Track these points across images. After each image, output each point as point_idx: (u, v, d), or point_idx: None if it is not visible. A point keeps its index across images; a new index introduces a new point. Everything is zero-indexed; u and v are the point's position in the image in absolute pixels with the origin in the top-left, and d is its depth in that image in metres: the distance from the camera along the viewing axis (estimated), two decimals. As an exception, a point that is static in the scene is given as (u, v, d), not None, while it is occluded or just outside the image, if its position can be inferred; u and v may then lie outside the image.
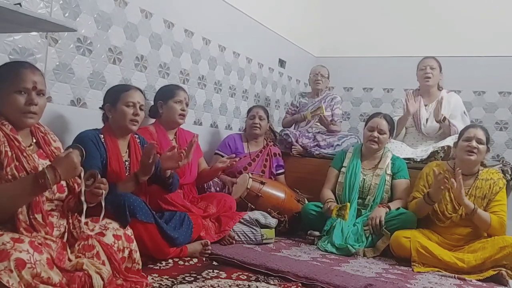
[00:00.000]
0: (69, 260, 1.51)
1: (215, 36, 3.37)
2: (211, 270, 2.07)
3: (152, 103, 2.73)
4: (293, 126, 3.98)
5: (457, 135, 2.84)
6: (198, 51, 3.23)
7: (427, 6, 4.50)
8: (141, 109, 2.17)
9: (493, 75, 4.20)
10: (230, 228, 2.57)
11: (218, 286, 1.86)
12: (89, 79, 2.39)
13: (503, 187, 2.62)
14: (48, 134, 1.70)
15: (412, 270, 2.41)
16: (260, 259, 2.20)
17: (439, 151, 3.17)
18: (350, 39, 4.83)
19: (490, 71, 4.19)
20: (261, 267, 2.11)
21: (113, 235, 1.70)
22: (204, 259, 2.26)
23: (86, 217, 1.65)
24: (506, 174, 2.90)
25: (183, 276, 1.94)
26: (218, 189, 3.08)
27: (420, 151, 3.30)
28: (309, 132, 3.74)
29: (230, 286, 1.87)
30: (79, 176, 1.56)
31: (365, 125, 3.11)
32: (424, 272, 2.39)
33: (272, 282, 1.99)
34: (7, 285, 1.23)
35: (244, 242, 2.62)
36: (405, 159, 3.16)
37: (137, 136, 2.30)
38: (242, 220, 2.66)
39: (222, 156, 3.22)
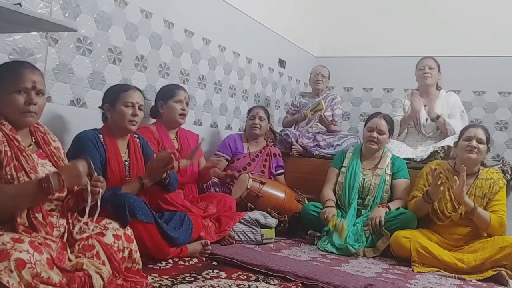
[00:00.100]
0: (69, 260, 1.51)
1: (215, 36, 3.37)
2: (211, 270, 2.07)
3: (152, 103, 2.74)
4: (293, 126, 3.98)
5: (457, 135, 2.84)
6: (198, 51, 3.23)
7: (427, 6, 4.50)
8: (140, 109, 2.17)
9: (493, 75, 4.20)
10: (230, 228, 2.57)
11: (218, 286, 1.86)
12: (89, 79, 2.39)
13: (503, 186, 2.62)
14: (47, 134, 1.71)
15: (412, 270, 2.41)
16: (260, 259, 2.20)
17: (439, 151, 3.17)
18: (350, 39, 4.83)
19: (490, 71, 4.19)
20: (261, 267, 2.11)
21: (113, 235, 1.70)
22: (204, 259, 2.26)
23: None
24: (506, 174, 2.90)
25: (183, 276, 1.94)
26: (218, 189, 3.08)
27: (420, 151, 3.30)
28: (309, 132, 3.74)
29: (230, 286, 1.87)
30: (85, 187, 1.56)
31: (365, 125, 3.11)
32: (424, 272, 2.39)
33: (272, 282, 1.99)
34: (7, 285, 1.23)
35: (244, 242, 2.62)
36: (405, 159, 3.17)
37: (136, 136, 2.30)
38: (242, 220, 2.66)
39: (223, 157, 3.24)
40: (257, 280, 2.00)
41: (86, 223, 1.68)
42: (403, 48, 4.51)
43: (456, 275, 2.35)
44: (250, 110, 3.44)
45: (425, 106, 3.49)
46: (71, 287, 1.42)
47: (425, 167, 2.84)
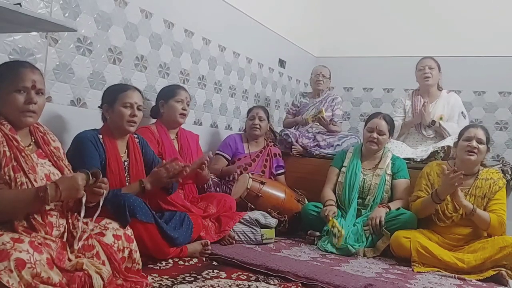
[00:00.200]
0: (69, 260, 1.51)
1: (215, 36, 3.37)
2: (211, 270, 2.07)
3: (152, 103, 2.74)
4: (293, 126, 3.98)
5: (457, 135, 2.84)
6: (198, 51, 3.23)
7: (427, 6, 4.50)
8: (139, 109, 2.16)
9: (493, 75, 4.20)
10: (230, 228, 2.57)
11: (218, 286, 1.86)
12: (89, 79, 2.39)
13: (503, 186, 2.62)
14: (47, 133, 1.70)
15: (412, 270, 2.41)
16: (260, 259, 2.20)
17: (439, 151, 3.17)
18: (350, 39, 4.83)
19: (490, 71, 4.20)
20: (261, 267, 2.11)
21: (113, 235, 1.70)
22: (204, 259, 2.26)
23: (85, 217, 1.65)
24: (506, 174, 2.90)
25: (183, 276, 1.94)
26: (218, 189, 3.08)
27: (420, 151, 3.31)
28: (309, 132, 3.74)
29: (230, 286, 1.87)
30: (80, 199, 1.56)
31: (365, 126, 3.11)
32: (424, 272, 2.39)
33: (272, 282, 1.98)
34: (7, 285, 1.23)
35: (244, 242, 2.62)
36: (405, 159, 3.17)
37: (136, 136, 2.30)
38: (242, 220, 2.66)
39: (224, 157, 3.24)
40: (257, 280, 2.00)
41: (86, 223, 1.68)
42: (403, 48, 4.52)
43: (456, 275, 2.34)
44: (250, 110, 3.44)
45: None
46: (71, 287, 1.42)
47: (425, 168, 2.84)
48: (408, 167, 3.08)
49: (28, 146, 1.59)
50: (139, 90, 2.23)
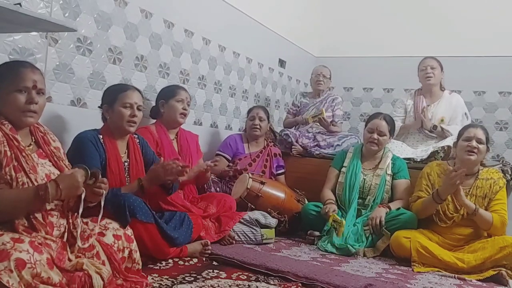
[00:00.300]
0: (69, 260, 1.51)
1: (215, 36, 3.37)
2: (211, 270, 2.07)
3: (152, 103, 2.74)
4: (293, 126, 3.98)
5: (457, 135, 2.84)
6: (198, 51, 3.23)
7: (427, 6, 4.50)
8: (139, 110, 2.16)
9: (493, 75, 4.20)
10: (230, 228, 2.57)
11: (218, 286, 1.86)
12: (89, 79, 2.39)
13: (503, 186, 2.62)
14: (47, 133, 1.70)
15: (412, 270, 2.41)
16: (260, 259, 2.20)
17: (439, 151, 3.17)
18: (350, 39, 4.82)
19: (490, 71, 4.19)
20: (261, 267, 2.11)
21: (113, 235, 1.70)
22: (204, 259, 2.26)
23: (85, 217, 1.66)
24: (506, 174, 2.90)
25: (183, 276, 1.94)
26: (218, 189, 3.08)
27: (420, 151, 3.30)
28: (309, 132, 3.74)
29: (230, 286, 1.87)
30: (79, 197, 1.56)
31: (365, 126, 3.11)
32: (424, 272, 2.39)
33: (272, 282, 1.99)
34: (7, 285, 1.23)
35: (244, 242, 2.62)
36: (405, 159, 3.17)
37: (136, 136, 2.30)
38: (242, 220, 2.66)
39: (224, 157, 3.24)
40: (257, 280, 2.00)
41: (86, 223, 1.68)
42: (403, 48, 4.52)
43: (456, 275, 2.34)
44: (250, 111, 3.44)
45: (428, 106, 3.49)
46: (71, 287, 1.42)
47: (425, 168, 2.84)
48: (408, 167, 3.08)
49: (28, 146, 1.59)
50: (139, 90, 2.23)
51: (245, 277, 2.02)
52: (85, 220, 1.66)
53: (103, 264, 1.58)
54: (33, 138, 1.64)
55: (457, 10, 4.35)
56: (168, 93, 2.68)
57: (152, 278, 1.86)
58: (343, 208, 2.98)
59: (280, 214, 2.93)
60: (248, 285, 1.91)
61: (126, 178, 2.14)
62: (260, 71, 4.06)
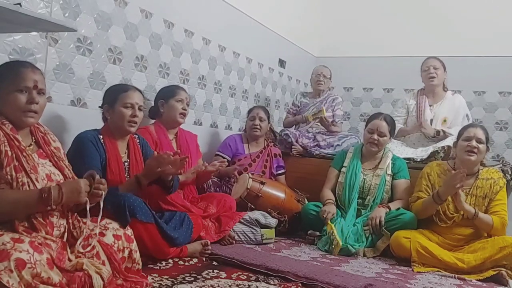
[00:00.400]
0: (69, 260, 1.51)
1: (215, 36, 3.37)
2: (211, 270, 2.07)
3: (152, 103, 2.74)
4: (293, 126, 3.98)
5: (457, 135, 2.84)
6: (198, 51, 3.23)
7: (427, 6, 4.50)
8: (140, 110, 2.16)
9: (493, 75, 4.20)
10: (230, 228, 2.57)
11: (218, 286, 1.86)
12: (89, 79, 2.39)
13: (504, 186, 2.62)
14: (47, 134, 1.70)
15: (412, 270, 2.41)
16: (260, 259, 2.20)
17: (439, 151, 3.17)
18: (350, 39, 4.82)
19: (490, 71, 4.20)
20: (261, 267, 2.11)
21: (113, 235, 1.70)
22: (204, 259, 2.26)
23: (84, 217, 1.65)
24: (506, 174, 2.90)
25: (183, 276, 1.94)
26: (218, 189, 3.08)
27: (420, 151, 3.30)
28: (309, 132, 3.74)
29: (230, 286, 1.87)
30: (84, 205, 1.57)
31: (365, 126, 3.11)
32: (424, 272, 2.39)
33: (272, 282, 1.99)
34: (7, 285, 1.23)
35: (244, 242, 2.62)
36: (405, 159, 3.17)
37: (136, 136, 2.30)
38: (242, 220, 2.66)
39: (223, 158, 3.24)
40: (257, 280, 2.00)
41: (85, 223, 1.68)
42: (403, 48, 4.52)
43: (456, 275, 2.34)
44: (250, 111, 3.44)
45: (430, 106, 3.49)
46: (71, 287, 1.42)
47: (425, 168, 2.84)
48: (408, 167, 3.08)
49: (29, 146, 1.59)
50: (140, 91, 2.23)
51: (245, 277, 2.02)
52: (84, 220, 1.66)
53: (103, 264, 1.58)
54: (33, 138, 1.64)
55: (457, 10, 4.35)
56: (168, 93, 2.68)
57: (152, 278, 1.86)
58: (343, 208, 2.98)
59: (280, 214, 2.93)
60: (248, 285, 1.91)
61: (127, 178, 2.14)
62: (260, 71, 4.06)
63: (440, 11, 4.43)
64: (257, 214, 2.74)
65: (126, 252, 1.72)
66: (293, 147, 3.61)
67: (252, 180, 2.95)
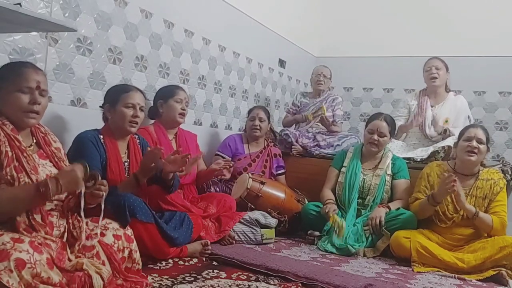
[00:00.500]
0: (69, 260, 1.51)
1: (215, 36, 3.37)
2: (211, 270, 2.07)
3: (152, 103, 2.73)
4: (293, 126, 3.98)
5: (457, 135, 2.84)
6: (198, 51, 3.23)
7: (427, 6, 4.50)
8: (141, 110, 2.17)
9: (493, 75, 4.20)
10: (230, 228, 2.57)
11: (218, 286, 1.86)
12: (89, 79, 2.39)
13: (504, 187, 2.62)
14: (48, 134, 1.70)
15: (412, 270, 2.41)
16: (260, 259, 2.20)
17: (439, 151, 3.17)
18: (350, 39, 4.82)
19: (490, 71, 4.20)
20: (261, 267, 2.11)
21: (113, 235, 1.70)
22: (204, 259, 2.26)
23: (85, 217, 1.65)
24: (506, 174, 2.90)
25: (183, 276, 1.94)
26: (218, 189, 3.08)
27: (420, 151, 3.30)
28: (309, 132, 3.74)
29: (230, 286, 1.87)
30: (79, 195, 1.56)
31: (366, 126, 3.11)
32: (424, 272, 2.39)
33: (272, 282, 1.99)
34: (7, 285, 1.23)
35: (244, 242, 2.62)
36: (405, 159, 3.16)
37: (136, 136, 2.30)
38: (242, 220, 2.66)
39: (223, 157, 3.24)
40: (257, 280, 2.00)
41: (86, 223, 1.68)
42: (403, 48, 4.52)
43: (456, 275, 2.34)
44: (250, 111, 3.43)
45: (432, 107, 3.49)
46: (71, 287, 1.42)
47: (425, 168, 2.84)
48: (408, 167, 3.08)
49: (29, 147, 1.59)
50: (141, 91, 2.24)
51: (245, 277, 2.02)
52: (85, 220, 1.66)
53: (103, 264, 1.58)
54: (34, 138, 1.64)
55: (457, 10, 4.35)
56: (167, 93, 2.68)
57: (152, 278, 1.86)
58: (343, 208, 2.98)
59: (280, 214, 2.93)
60: (248, 285, 1.91)
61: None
62: (260, 71, 4.06)
63: (440, 11, 4.43)
64: (257, 214, 2.74)
65: (126, 252, 1.72)
66: (293, 147, 3.61)
67: (252, 180, 2.95)
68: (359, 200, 2.97)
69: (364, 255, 2.65)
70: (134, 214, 1.93)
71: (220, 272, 2.05)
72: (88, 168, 1.56)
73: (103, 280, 1.50)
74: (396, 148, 3.28)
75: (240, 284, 1.91)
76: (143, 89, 2.66)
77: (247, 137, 3.40)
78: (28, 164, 1.52)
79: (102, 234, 1.68)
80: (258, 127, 3.32)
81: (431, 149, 3.22)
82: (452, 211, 2.60)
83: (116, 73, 2.54)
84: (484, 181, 2.62)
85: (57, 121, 2.22)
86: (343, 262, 2.45)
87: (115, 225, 1.76)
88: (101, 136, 2.12)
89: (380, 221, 2.72)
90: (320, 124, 3.76)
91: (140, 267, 1.79)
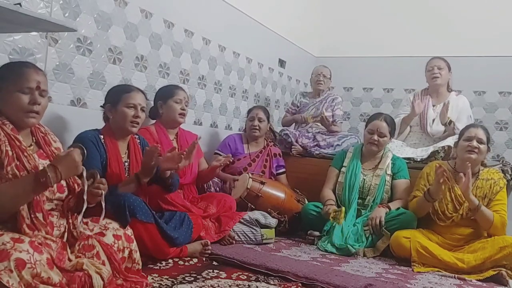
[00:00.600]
0: (69, 260, 1.51)
1: (215, 36, 3.37)
2: (211, 270, 2.07)
3: (152, 103, 2.73)
4: (293, 125, 3.98)
5: (458, 135, 2.84)
6: (198, 51, 3.23)
7: (427, 6, 4.50)
8: (142, 111, 2.17)
9: (493, 75, 4.20)
10: (230, 228, 2.57)
11: (218, 286, 1.86)
12: (89, 79, 2.39)
13: (504, 186, 2.62)
14: (48, 134, 1.70)
15: (412, 270, 2.41)
16: (260, 259, 2.20)
17: (439, 150, 3.17)
18: (350, 39, 4.82)
19: (490, 71, 4.20)
20: (261, 267, 2.11)
21: (113, 235, 1.70)
22: (204, 259, 2.26)
23: (86, 217, 1.65)
24: (506, 174, 2.90)
25: (183, 276, 1.94)
26: (218, 189, 3.08)
27: (421, 151, 3.30)
28: (309, 132, 3.74)
29: (230, 286, 1.87)
30: (81, 175, 1.56)
31: (366, 126, 3.11)
32: (424, 272, 2.39)
33: (272, 282, 1.99)
34: (7, 285, 1.23)
35: (244, 242, 2.62)
36: (405, 159, 3.16)
37: (137, 136, 2.30)
38: (242, 220, 2.66)
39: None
40: (257, 280, 2.00)
41: (86, 223, 1.68)
42: (403, 48, 4.52)
43: (456, 275, 2.35)
44: (249, 111, 3.43)
45: (433, 106, 3.49)
46: (71, 287, 1.42)
47: (425, 168, 2.84)
48: (408, 167, 3.08)
49: (29, 147, 1.59)
50: (142, 92, 2.24)
51: (245, 277, 2.02)
52: (85, 220, 1.66)
53: (103, 264, 1.58)
54: (33, 138, 1.64)
55: (457, 10, 4.35)
56: (166, 94, 2.68)
57: (152, 278, 1.86)
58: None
59: (280, 214, 2.93)
60: (248, 285, 1.91)
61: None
62: (260, 71, 4.06)
63: (440, 11, 4.43)
64: (257, 214, 2.74)
65: (126, 252, 1.72)
66: (293, 147, 3.61)
67: (252, 180, 2.95)
68: (359, 200, 2.97)
69: (364, 255, 2.65)
70: (134, 214, 1.93)
71: (220, 272, 2.05)
72: (85, 150, 1.54)
73: (103, 280, 1.50)
74: (396, 148, 3.28)
75: (240, 284, 1.91)
76: (143, 89, 2.66)
77: (246, 137, 3.40)
78: (28, 163, 1.52)
79: (102, 234, 1.68)
80: (257, 127, 3.32)
81: (431, 149, 3.22)
82: (451, 210, 2.60)
83: (116, 73, 2.54)
84: (484, 180, 2.62)
85: (57, 121, 2.22)
86: (343, 262, 2.45)
87: (115, 225, 1.76)
88: (102, 136, 2.12)
89: (380, 221, 2.72)
90: (320, 124, 3.76)
91: (140, 267, 1.79)
